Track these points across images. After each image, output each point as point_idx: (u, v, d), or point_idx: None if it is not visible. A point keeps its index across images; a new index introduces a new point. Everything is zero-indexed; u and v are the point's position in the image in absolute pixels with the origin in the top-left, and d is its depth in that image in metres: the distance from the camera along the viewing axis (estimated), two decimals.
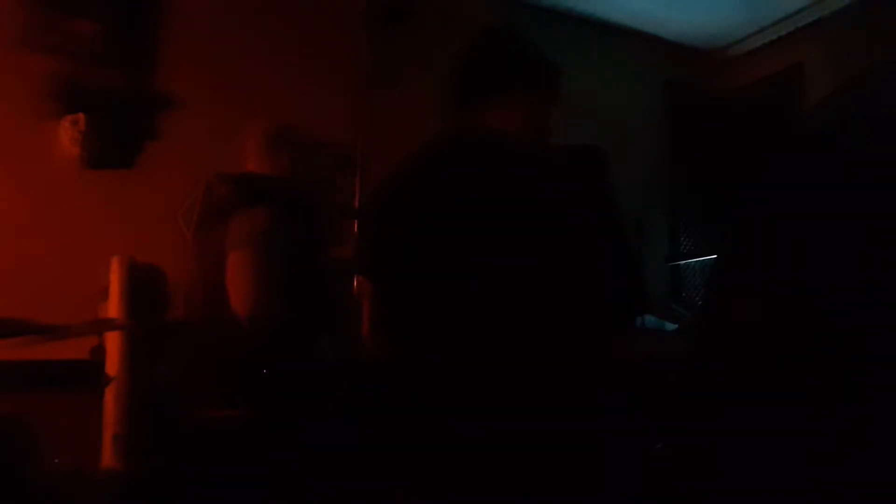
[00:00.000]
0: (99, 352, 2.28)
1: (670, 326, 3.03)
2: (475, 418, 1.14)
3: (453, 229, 1.19)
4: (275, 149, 2.32)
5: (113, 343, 2.41)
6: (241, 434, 2.03)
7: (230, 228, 2.13)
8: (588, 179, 1.26)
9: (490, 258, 1.16)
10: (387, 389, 1.29)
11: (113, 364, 2.38)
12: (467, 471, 1.13)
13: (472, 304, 1.16)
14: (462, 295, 1.17)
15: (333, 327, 2.20)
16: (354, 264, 2.45)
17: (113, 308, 2.51)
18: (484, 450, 1.13)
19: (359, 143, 2.88)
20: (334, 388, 2.05)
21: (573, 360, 1.15)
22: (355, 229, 2.62)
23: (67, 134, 2.70)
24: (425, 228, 1.23)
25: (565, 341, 1.16)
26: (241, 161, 2.39)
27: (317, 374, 2.06)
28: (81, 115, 2.69)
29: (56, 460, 2.18)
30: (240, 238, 2.08)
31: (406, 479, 1.20)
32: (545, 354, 1.16)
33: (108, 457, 2.29)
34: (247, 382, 2.04)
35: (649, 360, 1.21)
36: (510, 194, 1.19)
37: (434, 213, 1.22)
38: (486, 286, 1.15)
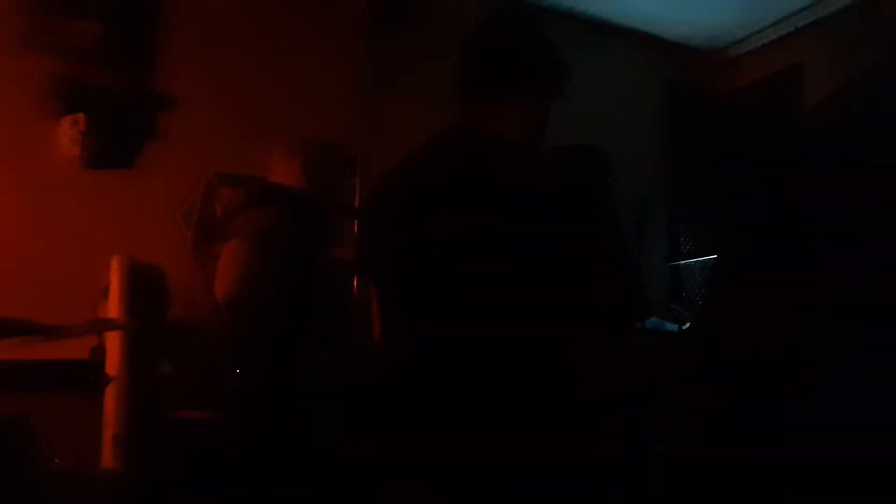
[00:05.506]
0: (99, 352, 2.28)
1: (670, 326, 3.04)
2: (474, 419, 1.14)
3: (447, 231, 1.19)
4: (298, 163, 2.34)
5: (113, 343, 2.41)
6: (217, 435, 2.05)
7: (236, 222, 2.15)
8: (587, 180, 1.26)
9: (486, 261, 1.15)
10: (387, 390, 1.29)
11: (113, 364, 2.38)
12: (468, 471, 1.13)
13: (467, 308, 1.16)
14: (457, 298, 1.17)
15: (333, 332, 2.21)
16: (356, 265, 2.46)
17: (113, 308, 2.51)
18: (484, 450, 1.13)
19: (360, 144, 2.88)
20: (328, 391, 2.06)
21: (569, 363, 1.15)
22: (355, 230, 2.62)
23: (67, 134, 2.70)
24: (419, 230, 1.23)
25: (563, 345, 1.16)
26: (265, 172, 2.40)
27: (308, 378, 2.06)
28: (81, 115, 2.69)
29: (56, 460, 2.18)
30: (241, 230, 2.10)
31: (407, 478, 1.20)
32: (542, 358, 1.15)
33: (107, 457, 2.29)
34: (226, 384, 2.06)
35: (647, 366, 1.21)
36: (506, 196, 1.19)
37: (428, 215, 1.22)
38: (481, 290, 1.15)
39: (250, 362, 2.05)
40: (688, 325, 3.02)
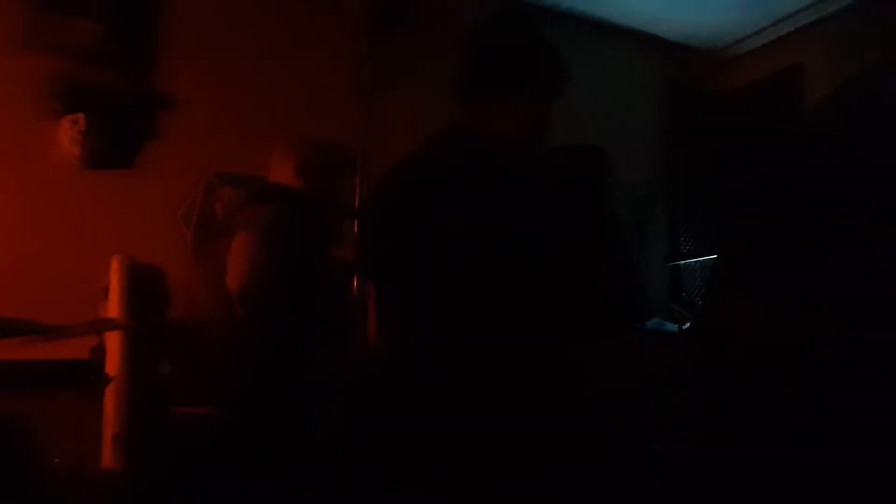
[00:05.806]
0: (99, 352, 2.28)
1: (670, 326, 3.04)
2: (474, 419, 1.14)
3: (448, 232, 1.19)
4: (297, 163, 2.34)
5: (113, 343, 2.41)
6: (218, 432, 2.06)
7: (237, 219, 2.16)
8: (587, 180, 1.26)
9: (486, 261, 1.15)
10: (387, 389, 1.29)
11: (113, 364, 2.38)
12: (468, 471, 1.13)
13: (467, 308, 1.16)
14: (457, 297, 1.17)
15: (332, 330, 2.22)
16: (356, 265, 2.46)
17: (113, 308, 2.51)
18: (483, 450, 1.13)
19: (360, 144, 2.88)
20: (328, 391, 2.07)
21: (569, 363, 1.15)
22: (355, 229, 2.62)
23: (67, 134, 2.70)
24: (419, 230, 1.23)
25: (563, 344, 1.16)
26: (265, 172, 2.40)
27: (309, 377, 2.07)
28: (81, 115, 2.69)
29: (56, 460, 2.18)
30: (248, 224, 2.12)
31: (407, 477, 1.20)
32: (542, 357, 1.16)
33: (108, 457, 2.29)
34: (230, 381, 2.07)
35: (647, 366, 1.21)
36: (506, 196, 1.19)
37: (428, 215, 1.22)
38: (482, 290, 1.15)
39: (258, 357, 2.06)
40: (688, 325, 3.02)
